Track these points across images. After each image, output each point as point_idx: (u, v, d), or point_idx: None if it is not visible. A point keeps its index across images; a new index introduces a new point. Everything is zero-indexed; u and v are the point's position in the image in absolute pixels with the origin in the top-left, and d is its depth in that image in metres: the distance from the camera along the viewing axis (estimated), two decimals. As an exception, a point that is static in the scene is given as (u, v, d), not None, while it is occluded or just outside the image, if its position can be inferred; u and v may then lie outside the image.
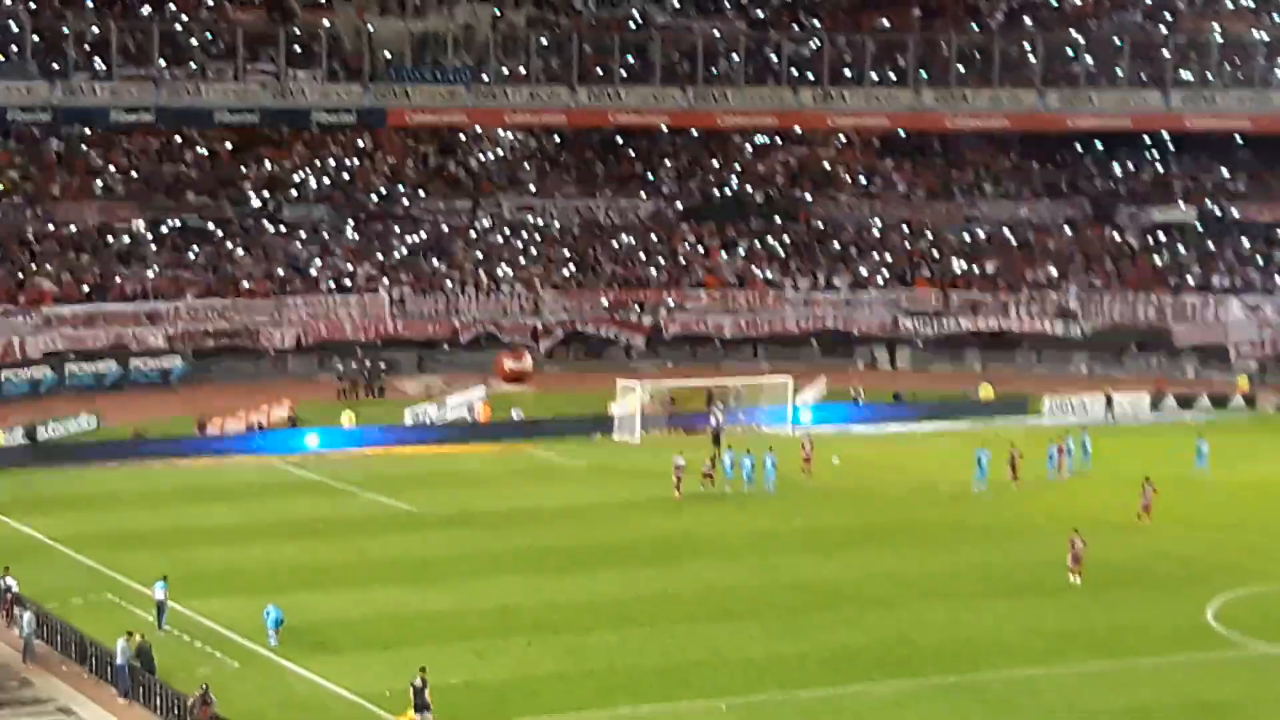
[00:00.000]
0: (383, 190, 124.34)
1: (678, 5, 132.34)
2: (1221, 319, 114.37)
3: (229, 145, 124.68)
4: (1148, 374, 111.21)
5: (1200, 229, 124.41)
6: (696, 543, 64.03)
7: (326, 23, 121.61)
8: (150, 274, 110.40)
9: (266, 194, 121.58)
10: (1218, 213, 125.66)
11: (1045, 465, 76.63)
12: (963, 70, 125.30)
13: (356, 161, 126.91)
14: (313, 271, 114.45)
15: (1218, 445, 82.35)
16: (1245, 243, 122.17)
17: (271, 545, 62.82)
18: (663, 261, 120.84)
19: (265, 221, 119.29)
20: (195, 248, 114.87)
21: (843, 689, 45.91)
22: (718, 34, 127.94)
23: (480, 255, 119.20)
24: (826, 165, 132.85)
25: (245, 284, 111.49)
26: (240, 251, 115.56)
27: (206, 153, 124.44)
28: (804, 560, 61.28)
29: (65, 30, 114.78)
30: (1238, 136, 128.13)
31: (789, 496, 72.91)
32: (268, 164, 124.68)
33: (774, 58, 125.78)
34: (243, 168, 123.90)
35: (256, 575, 57.36)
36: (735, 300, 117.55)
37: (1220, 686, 46.47)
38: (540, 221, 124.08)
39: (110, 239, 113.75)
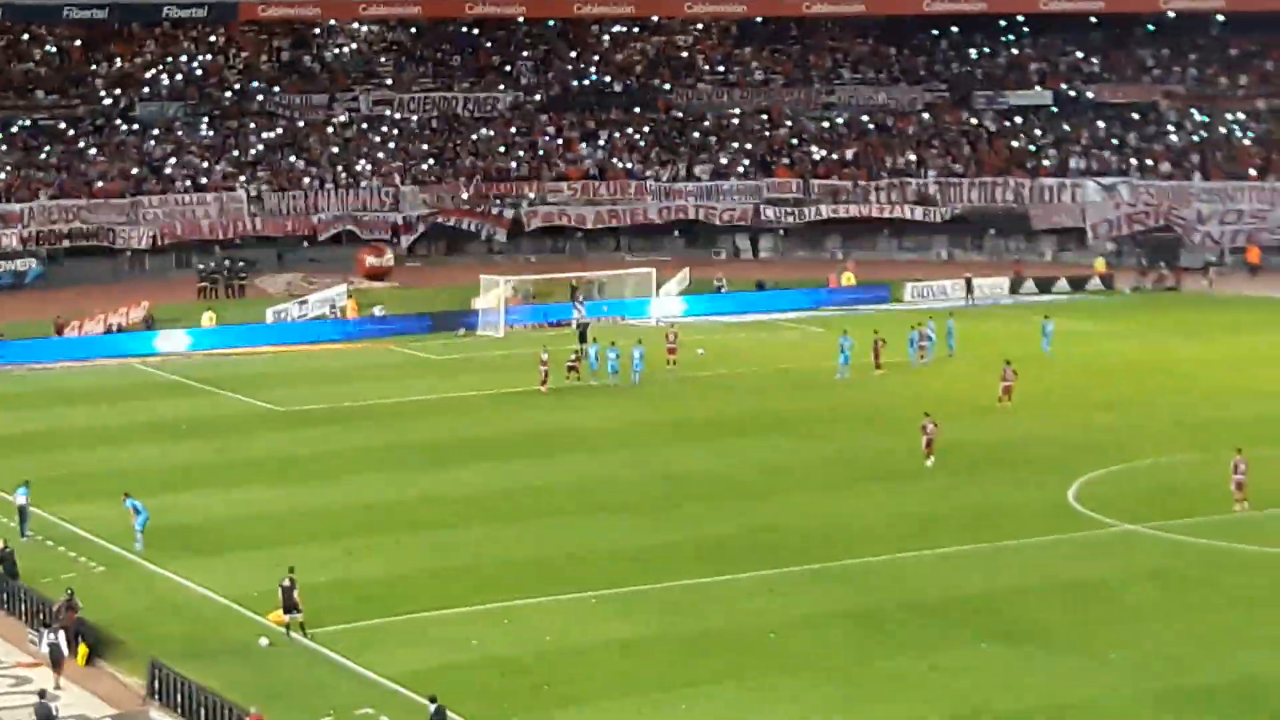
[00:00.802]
0: (237, 86, 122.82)
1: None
2: (1078, 201, 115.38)
3: (79, 42, 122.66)
4: (1007, 258, 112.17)
5: (1056, 111, 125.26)
6: (565, 436, 64.00)
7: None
8: (1, 175, 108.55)
9: (118, 91, 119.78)
10: (1073, 95, 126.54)
11: (908, 351, 77.11)
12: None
13: (210, 57, 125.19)
14: (168, 170, 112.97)
15: (1077, 327, 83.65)
16: (1100, 124, 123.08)
17: (135, 447, 62.18)
18: (523, 154, 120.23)
19: (118, 120, 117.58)
20: (47, 147, 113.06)
21: (712, 578, 46.09)
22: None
23: (338, 151, 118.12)
24: (685, 54, 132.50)
25: (99, 184, 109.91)
26: (93, 151, 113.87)
27: (56, 50, 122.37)
28: (672, 451, 61.40)
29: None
30: (1092, 18, 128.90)
31: (655, 388, 73.00)
32: (119, 61, 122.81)
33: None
34: (93, 65, 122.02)
35: (120, 478, 56.56)
36: (596, 192, 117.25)
37: (1084, 565, 47.05)
38: (398, 115, 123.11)
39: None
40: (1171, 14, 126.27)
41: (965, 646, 40.89)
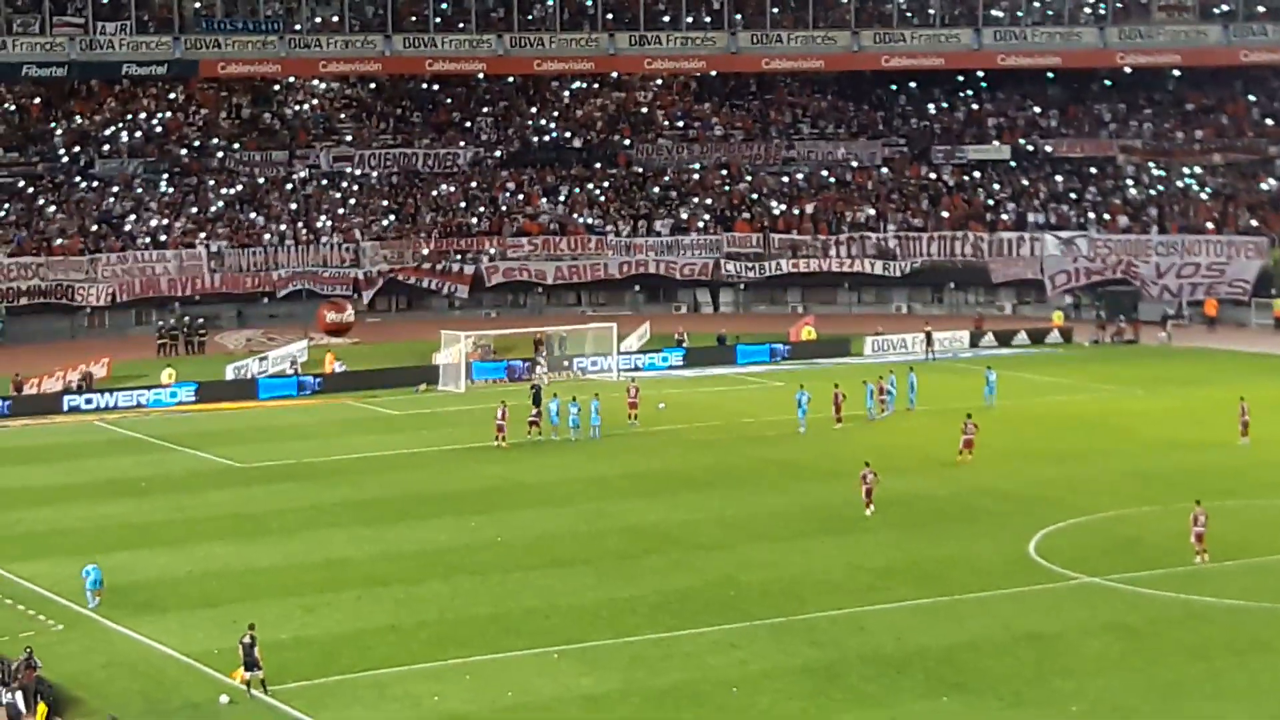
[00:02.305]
0: (197, 143, 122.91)
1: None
2: (1037, 254, 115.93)
3: (38, 100, 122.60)
4: (966, 311, 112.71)
5: (1014, 166, 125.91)
6: (525, 490, 63.95)
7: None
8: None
9: (78, 149, 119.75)
10: (1030, 149, 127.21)
11: (865, 403, 77.11)
12: (777, 12, 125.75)
13: (169, 114, 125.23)
14: (127, 227, 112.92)
15: (1036, 380, 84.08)
16: (1058, 179, 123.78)
17: (93, 505, 61.96)
18: (483, 209, 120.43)
19: (77, 177, 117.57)
20: (6, 205, 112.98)
21: (674, 632, 46.03)
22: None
23: (298, 207, 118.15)
24: (644, 109, 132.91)
25: (58, 241, 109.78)
26: (52, 208, 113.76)
27: (14, 108, 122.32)
28: (632, 505, 61.36)
29: None
30: (1049, 73, 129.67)
31: (616, 442, 73.02)
32: (78, 118, 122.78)
33: (589, 2, 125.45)
34: (53, 123, 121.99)
35: (79, 536, 56.59)
36: (557, 247, 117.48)
37: (1044, 618, 47.10)
38: (358, 171, 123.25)
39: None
40: (1128, 69, 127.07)
41: (925, 699, 40.90)
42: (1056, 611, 47.83)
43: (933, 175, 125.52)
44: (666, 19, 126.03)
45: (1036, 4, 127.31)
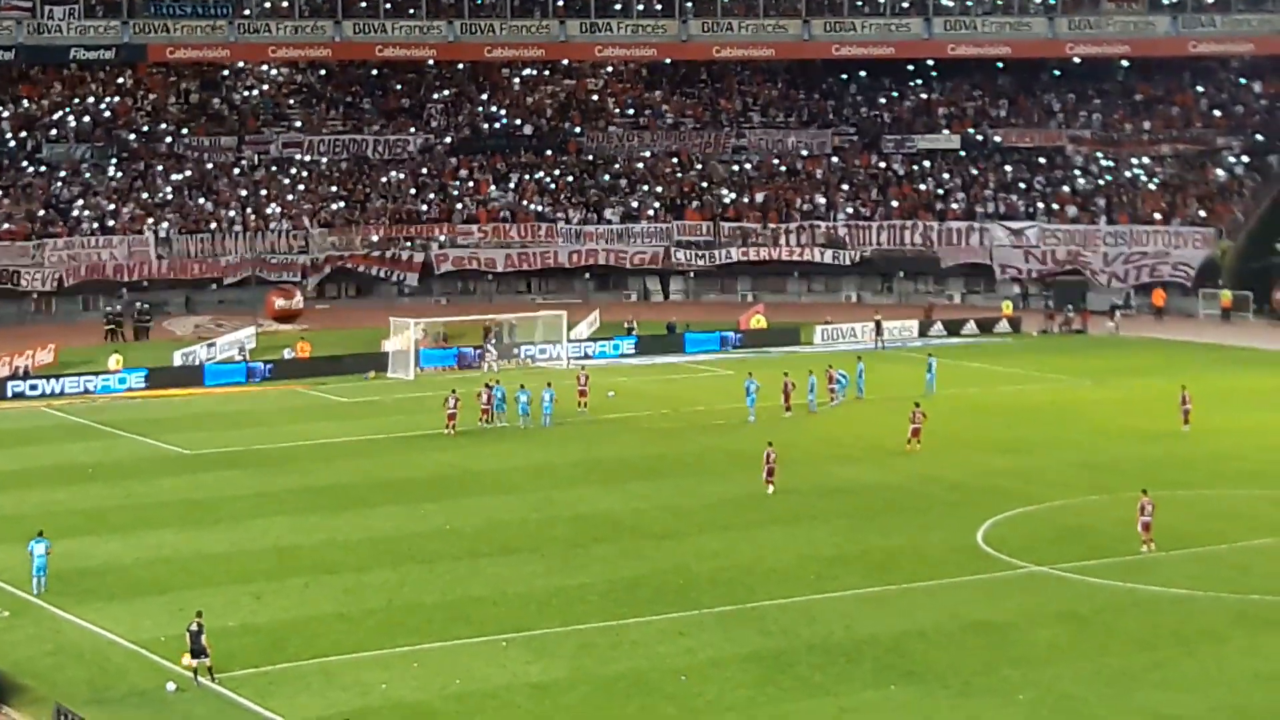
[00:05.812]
0: (145, 128, 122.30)
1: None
2: (986, 244, 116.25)
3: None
4: (915, 300, 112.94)
5: (963, 155, 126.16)
6: (474, 478, 63.86)
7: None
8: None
9: (24, 133, 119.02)
10: (979, 139, 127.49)
11: (806, 394, 76.63)
12: (728, 0, 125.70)
13: (117, 99, 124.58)
14: (74, 212, 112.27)
15: (984, 370, 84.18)
16: (1007, 168, 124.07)
17: (41, 491, 61.61)
18: (433, 196, 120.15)
19: (24, 161, 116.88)
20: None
21: (622, 621, 45.99)
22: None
23: (246, 193, 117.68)
24: (595, 97, 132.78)
25: (4, 226, 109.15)
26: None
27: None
28: (582, 493, 61.34)
29: None
30: (998, 63, 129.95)
31: (565, 430, 72.96)
32: (25, 102, 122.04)
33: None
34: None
35: (25, 522, 56.14)
36: (507, 234, 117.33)
37: (993, 607, 47.21)
38: (307, 157, 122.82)
39: None
40: (1077, 59, 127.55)
41: (874, 688, 40.96)
42: (1005, 600, 47.96)
43: (882, 164, 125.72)
44: (617, 6, 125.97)
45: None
